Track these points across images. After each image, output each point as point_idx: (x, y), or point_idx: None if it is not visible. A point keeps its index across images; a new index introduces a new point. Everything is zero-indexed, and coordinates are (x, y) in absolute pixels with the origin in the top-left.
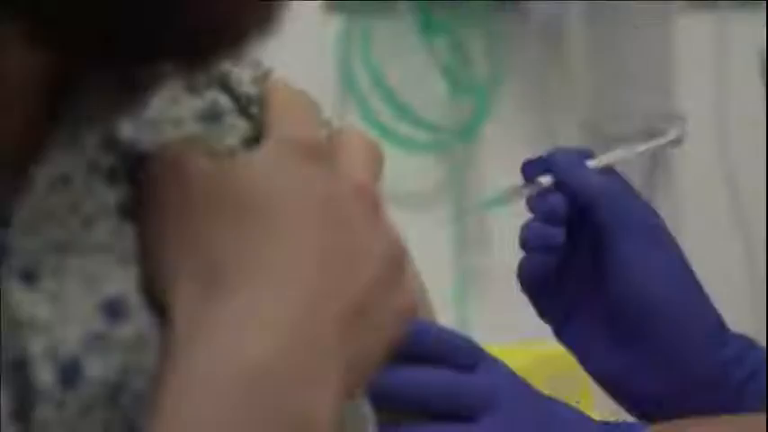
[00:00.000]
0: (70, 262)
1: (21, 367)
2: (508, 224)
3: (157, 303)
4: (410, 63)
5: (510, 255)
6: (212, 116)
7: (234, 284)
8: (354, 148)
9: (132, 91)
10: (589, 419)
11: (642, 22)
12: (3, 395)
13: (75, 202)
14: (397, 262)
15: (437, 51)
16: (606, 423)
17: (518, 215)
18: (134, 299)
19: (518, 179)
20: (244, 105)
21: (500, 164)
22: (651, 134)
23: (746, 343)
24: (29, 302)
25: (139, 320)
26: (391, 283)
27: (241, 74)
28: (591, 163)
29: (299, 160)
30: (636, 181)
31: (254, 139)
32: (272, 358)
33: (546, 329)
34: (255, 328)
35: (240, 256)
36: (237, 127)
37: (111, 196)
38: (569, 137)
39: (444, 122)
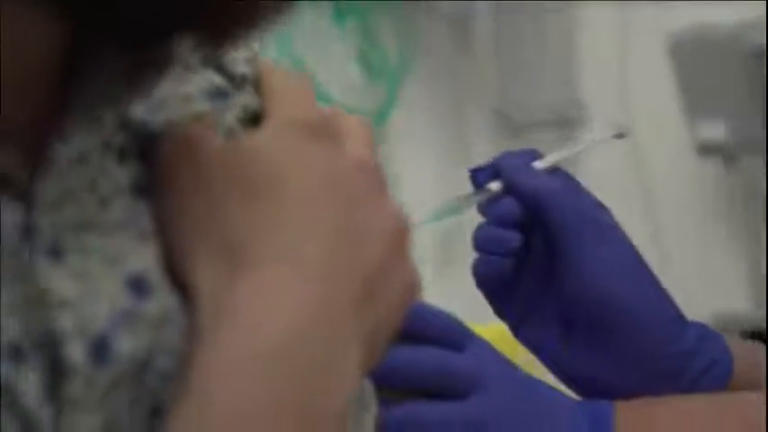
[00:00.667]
0: (91, 240)
1: (50, 345)
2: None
3: (178, 282)
4: (326, 48)
5: (437, 236)
6: (219, 94)
7: (253, 264)
8: (353, 126)
9: (148, 71)
10: (564, 396)
11: (547, 13)
12: (33, 373)
13: (91, 181)
14: (402, 238)
15: (350, 36)
16: (578, 401)
17: None
18: (155, 276)
19: (427, 163)
20: (238, 85)
21: (410, 148)
22: (558, 122)
23: (705, 332)
24: (56, 280)
25: (163, 298)
26: (398, 260)
27: (235, 54)
28: (538, 164)
29: (304, 139)
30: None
31: (251, 119)
32: (294, 338)
33: (480, 311)
34: (276, 309)
35: (257, 235)
36: (238, 105)
37: (123, 175)
38: (479, 124)
39: (358, 107)
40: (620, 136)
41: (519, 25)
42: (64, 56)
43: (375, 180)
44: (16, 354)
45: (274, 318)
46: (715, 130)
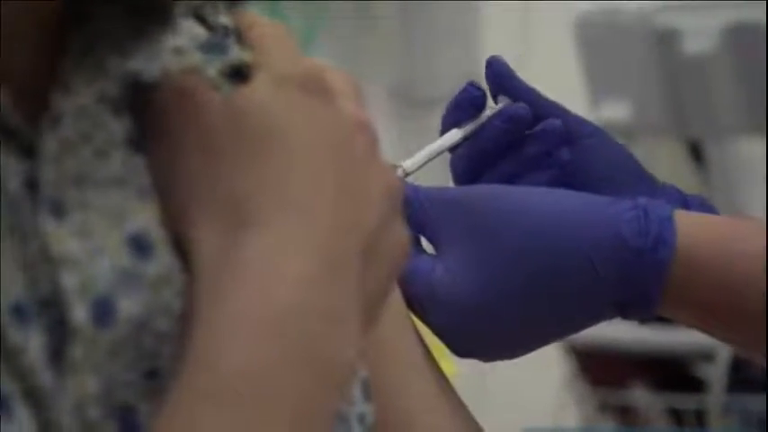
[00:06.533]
0: (90, 195)
1: (54, 305)
2: None
3: (177, 241)
4: None
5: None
6: (214, 47)
7: (258, 220)
8: (341, 81)
9: (154, 19)
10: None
11: None
12: (36, 333)
13: (87, 133)
14: (396, 197)
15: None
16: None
17: None
18: (156, 235)
19: None
20: (221, 36)
21: None
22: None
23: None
24: (60, 237)
25: (163, 258)
26: (393, 220)
27: (216, 4)
28: (408, 162)
29: (302, 94)
30: None
31: (232, 72)
32: (301, 298)
33: None
34: (282, 268)
35: (260, 191)
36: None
37: (117, 128)
38: (378, 100)
39: None
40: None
41: (423, 1)
42: (67, 2)
43: (372, 139)
44: (19, 314)
45: (284, 274)
46: (618, 111)
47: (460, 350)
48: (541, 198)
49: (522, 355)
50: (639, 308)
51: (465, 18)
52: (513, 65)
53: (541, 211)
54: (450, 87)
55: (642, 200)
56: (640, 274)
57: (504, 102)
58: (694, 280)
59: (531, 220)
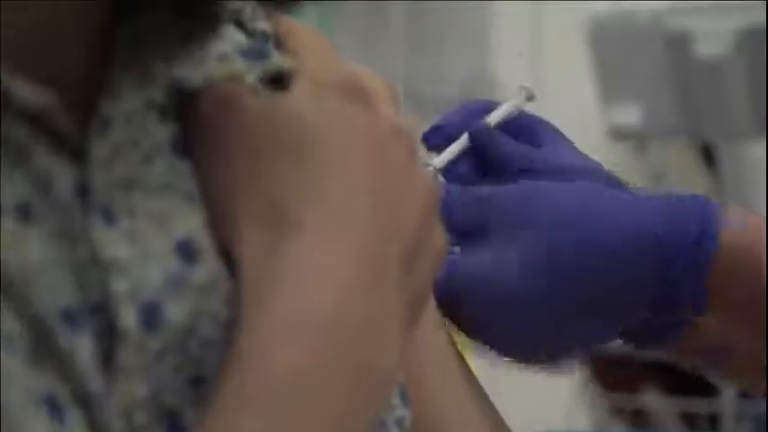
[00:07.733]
0: (138, 200)
1: (103, 309)
2: None
3: (221, 246)
4: None
5: None
6: (255, 52)
7: (299, 226)
8: (378, 87)
9: (202, 25)
10: None
11: None
12: (86, 337)
13: (136, 139)
14: (434, 203)
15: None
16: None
17: None
18: (202, 240)
19: None
20: (261, 42)
21: None
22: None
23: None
24: (109, 242)
25: (209, 264)
26: (430, 225)
27: (254, 9)
28: (437, 160)
29: (342, 101)
30: None
31: (272, 78)
32: (340, 303)
33: None
34: (321, 273)
35: (302, 197)
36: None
37: (163, 134)
38: None
39: None
40: (530, 98)
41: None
42: (115, 6)
43: (410, 145)
44: (69, 318)
45: (323, 279)
46: (629, 114)
47: (491, 347)
48: (577, 193)
49: (551, 358)
50: (681, 306)
51: (476, 19)
52: (523, 66)
53: (577, 206)
54: (459, 88)
55: (683, 195)
56: (683, 270)
57: (524, 91)
58: (736, 271)
59: (565, 216)
